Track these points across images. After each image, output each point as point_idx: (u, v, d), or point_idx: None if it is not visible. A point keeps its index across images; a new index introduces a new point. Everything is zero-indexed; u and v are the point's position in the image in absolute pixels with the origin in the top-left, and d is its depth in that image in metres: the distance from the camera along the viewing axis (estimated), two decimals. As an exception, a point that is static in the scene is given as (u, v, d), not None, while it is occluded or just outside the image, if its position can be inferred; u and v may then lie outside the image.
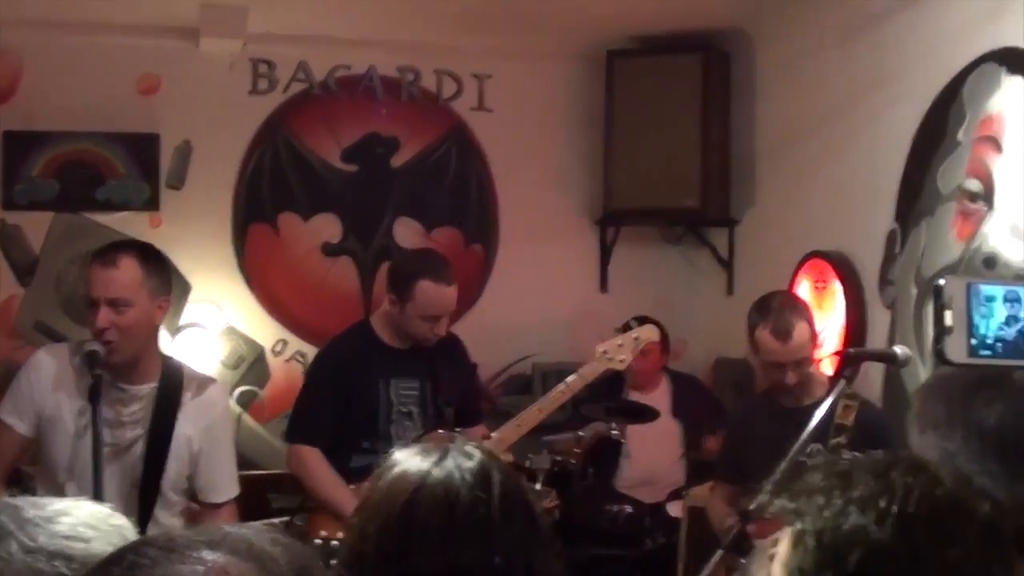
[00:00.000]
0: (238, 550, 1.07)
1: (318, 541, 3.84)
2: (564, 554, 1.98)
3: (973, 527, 1.31)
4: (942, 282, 1.62)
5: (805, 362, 4.22)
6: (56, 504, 1.40)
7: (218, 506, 3.83)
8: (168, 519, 3.73)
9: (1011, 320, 1.67)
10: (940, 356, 1.63)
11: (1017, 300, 1.68)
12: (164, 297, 3.66)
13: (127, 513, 3.63)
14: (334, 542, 3.63)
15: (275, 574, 1.06)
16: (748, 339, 4.35)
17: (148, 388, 3.67)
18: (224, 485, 3.85)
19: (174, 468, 3.70)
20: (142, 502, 3.63)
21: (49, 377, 3.64)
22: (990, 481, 1.68)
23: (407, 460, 1.93)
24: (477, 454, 1.92)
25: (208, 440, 3.77)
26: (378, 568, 1.84)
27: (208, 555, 1.05)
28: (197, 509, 3.86)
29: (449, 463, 1.89)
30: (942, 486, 1.34)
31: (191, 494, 3.81)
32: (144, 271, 3.59)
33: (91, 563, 1.16)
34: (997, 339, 1.67)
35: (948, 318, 1.60)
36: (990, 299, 1.64)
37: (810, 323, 4.26)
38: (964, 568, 1.28)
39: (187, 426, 3.70)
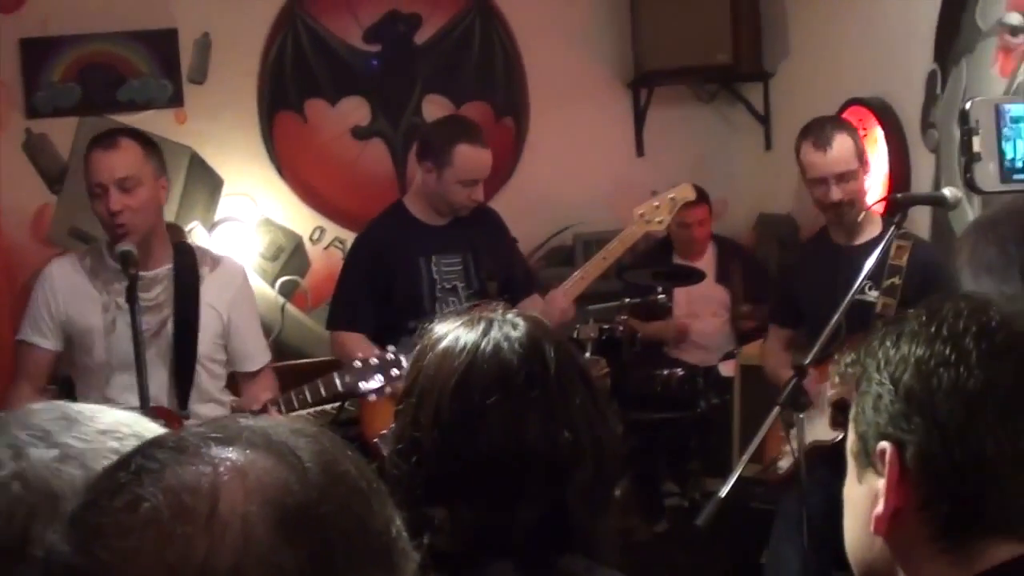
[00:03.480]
0: (255, 444, 0.96)
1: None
2: (620, 421, 1.86)
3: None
4: (968, 105, 1.50)
5: (849, 176, 4.17)
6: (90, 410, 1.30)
7: (254, 374, 3.94)
8: (214, 389, 3.84)
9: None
10: (971, 185, 1.52)
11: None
12: (164, 177, 3.75)
13: (170, 393, 3.70)
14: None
15: (298, 470, 0.95)
16: (799, 167, 4.33)
17: (164, 270, 3.74)
18: (257, 352, 3.96)
19: (208, 340, 3.77)
20: (181, 377, 3.72)
21: (63, 287, 3.71)
22: None
23: (449, 334, 1.77)
24: (522, 323, 1.78)
25: (235, 311, 3.86)
26: (438, 455, 1.69)
27: (221, 452, 0.95)
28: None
29: (496, 334, 1.75)
30: (995, 310, 1.31)
31: (229, 365, 3.91)
32: (144, 150, 3.65)
33: None
34: None
35: (976, 144, 1.47)
36: (1020, 119, 1.50)
37: (855, 140, 4.22)
38: (1019, 388, 1.25)
39: (212, 299, 3.79)
